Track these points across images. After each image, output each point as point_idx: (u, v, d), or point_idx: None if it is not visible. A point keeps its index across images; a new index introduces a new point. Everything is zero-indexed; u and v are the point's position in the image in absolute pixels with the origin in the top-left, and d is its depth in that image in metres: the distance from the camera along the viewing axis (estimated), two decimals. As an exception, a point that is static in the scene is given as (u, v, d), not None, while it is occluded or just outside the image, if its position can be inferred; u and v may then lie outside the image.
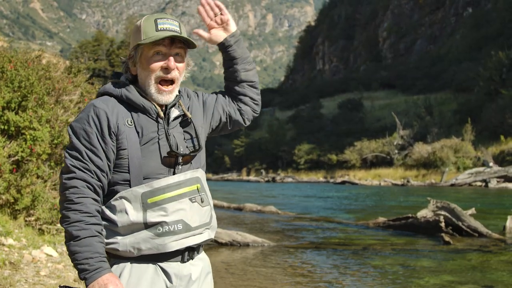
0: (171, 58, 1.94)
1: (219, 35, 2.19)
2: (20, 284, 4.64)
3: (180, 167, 1.98)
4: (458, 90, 58.86)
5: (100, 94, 2.01)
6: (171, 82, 1.98)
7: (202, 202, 2.00)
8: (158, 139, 1.94)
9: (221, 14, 2.17)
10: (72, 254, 1.84)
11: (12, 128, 6.49)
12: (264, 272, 6.98)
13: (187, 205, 1.94)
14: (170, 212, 1.91)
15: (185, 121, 2.04)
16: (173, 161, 1.96)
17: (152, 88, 1.96)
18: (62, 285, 1.90)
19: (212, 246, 9.01)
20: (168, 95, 1.97)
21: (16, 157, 6.46)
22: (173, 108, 2.02)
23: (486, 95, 48.29)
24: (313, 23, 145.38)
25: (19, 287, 4.57)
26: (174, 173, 1.97)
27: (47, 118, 6.80)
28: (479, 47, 68.28)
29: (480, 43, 69.96)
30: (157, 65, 1.95)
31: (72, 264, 1.86)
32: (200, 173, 2.05)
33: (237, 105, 2.25)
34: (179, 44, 1.97)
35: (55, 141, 6.81)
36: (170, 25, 1.94)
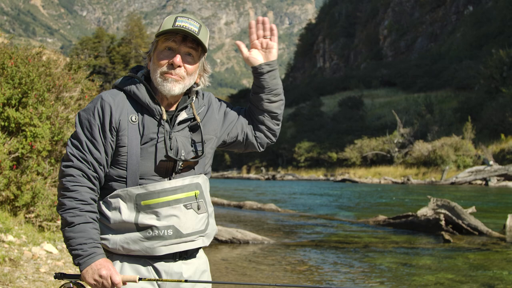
0: (178, 56, 1.93)
1: (257, 58, 2.16)
2: (20, 281, 4.64)
3: (178, 172, 1.96)
4: (459, 88, 58.87)
5: (113, 87, 2.02)
6: None
7: (198, 209, 1.98)
8: (157, 141, 1.93)
9: (270, 39, 2.16)
10: (67, 240, 1.87)
11: (13, 125, 6.49)
12: (264, 269, 6.98)
13: (181, 211, 1.93)
14: (162, 217, 1.91)
15: (195, 125, 2.01)
16: (171, 165, 1.95)
17: (158, 79, 1.94)
18: (57, 272, 1.92)
19: (212, 243, 9.01)
20: (172, 83, 1.94)
21: (16, 154, 6.45)
22: (183, 111, 2.00)
23: (487, 93, 48.24)
24: (313, 21, 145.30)
25: (19, 284, 4.57)
26: (170, 177, 1.95)
27: (47, 115, 6.79)
28: (479, 45, 68.24)
29: (480, 41, 69.89)
30: (164, 59, 1.94)
31: (67, 250, 1.89)
32: (202, 179, 2.02)
33: (254, 130, 2.23)
34: (190, 44, 1.94)
35: (55, 138, 6.80)
36: (189, 24, 1.92)
